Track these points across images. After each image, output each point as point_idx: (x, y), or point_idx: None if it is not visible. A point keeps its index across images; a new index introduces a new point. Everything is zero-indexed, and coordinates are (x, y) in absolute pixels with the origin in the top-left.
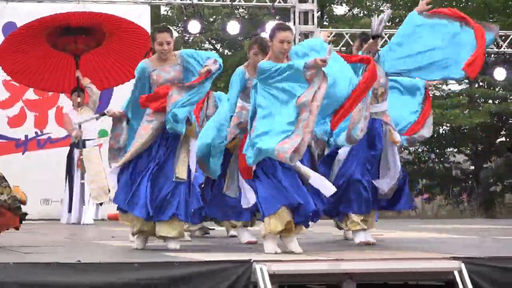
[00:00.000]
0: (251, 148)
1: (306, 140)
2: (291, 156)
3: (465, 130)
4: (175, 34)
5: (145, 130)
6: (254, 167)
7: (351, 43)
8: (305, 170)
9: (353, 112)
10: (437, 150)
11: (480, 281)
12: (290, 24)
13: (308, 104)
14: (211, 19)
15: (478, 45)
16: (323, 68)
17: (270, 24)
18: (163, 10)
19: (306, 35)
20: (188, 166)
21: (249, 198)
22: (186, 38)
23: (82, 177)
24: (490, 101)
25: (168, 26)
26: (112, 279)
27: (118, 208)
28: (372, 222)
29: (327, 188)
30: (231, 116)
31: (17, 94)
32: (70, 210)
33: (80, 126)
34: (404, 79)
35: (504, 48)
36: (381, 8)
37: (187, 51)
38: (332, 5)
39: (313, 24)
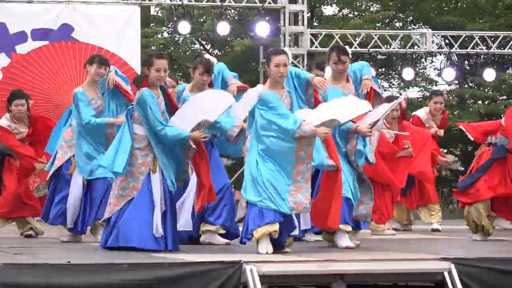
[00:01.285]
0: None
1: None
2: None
3: (455, 131)
4: None
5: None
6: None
7: (341, 44)
8: None
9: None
10: None
11: (469, 282)
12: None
13: (306, 157)
14: (201, 20)
15: None
16: None
17: (260, 25)
18: (153, 10)
19: (296, 36)
20: None
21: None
22: (176, 39)
23: None
24: (480, 102)
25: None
26: (102, 280)
27: None
28: None
29: None
30: None
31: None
32: None
33: None
34: None
35: (493, 49)
36: (371, 9)
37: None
38: (322, 5)
39: (303, 25)
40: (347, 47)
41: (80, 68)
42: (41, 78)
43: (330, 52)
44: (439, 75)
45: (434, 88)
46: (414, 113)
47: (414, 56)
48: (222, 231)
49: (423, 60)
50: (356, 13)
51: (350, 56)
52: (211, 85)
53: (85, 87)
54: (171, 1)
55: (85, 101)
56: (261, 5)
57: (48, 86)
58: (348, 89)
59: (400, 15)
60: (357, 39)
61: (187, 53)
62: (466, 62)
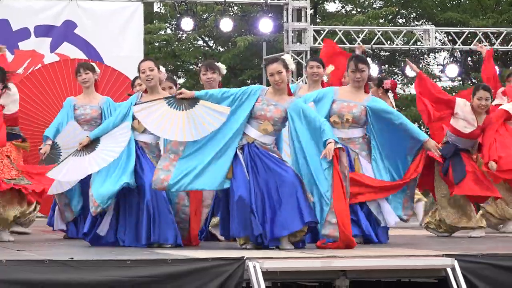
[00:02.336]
0: None
1: None
2: None
3: None
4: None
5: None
6: None
7: (344, 40)
8: None
9: None
10: None
11: (472, 278)
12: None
13: None
14: (204, 16)
15: None
16: None
17: (263, 21)
18: (156, 7)
19: (299, 32)
20: None
21: None
22: (180, 35)
23: None
24: None
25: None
26: (105, 276)
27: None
28: None
29: None
30: None
31: None
32: None
33: None
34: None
35: (496, 46)
36: (374, 5)
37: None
38: (325, 2)
39: (306, 21)
40: (369, 59)
41: (70, 83)
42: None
43: (349, 61)
44: (442, 71)
45: (438, 84)
46: None
47: (417, 52)
48: None
49: (426, 56)
50: (359, 10)
51: (370, 66)
52: (220, 86)
53: (80, 95)
54: None
55: (65, 108)
56: (264, 1)
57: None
58: (361, 100)
59: (403, 11)
60: (360, 35)
61: (190, 50)
62: (469, 58)
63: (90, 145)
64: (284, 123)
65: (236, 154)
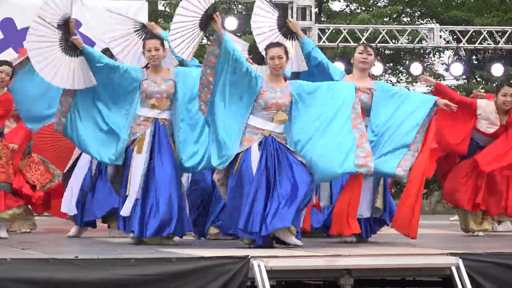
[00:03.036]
0: None
1: None
2: None
3: None
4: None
5: None
6: None
7: (349, 39)
8: None
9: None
10: None
11: (477, 276)
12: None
13: None
14: None
15: None
16: None
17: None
18: (161, 5)
19: (303, 31)
20: None
21: None
22: None
23: None
24: None
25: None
26: (109, 275)
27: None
28: None
29: None
30: None
31: None
32: None
33: None
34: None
35: (501, 44)
36: (378, 4)
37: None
38: (330, 0)
39: (310, 20)
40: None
41: None
42: None
43: (358, 46)
44: (447, 70)
45: (442, 83)
46: None
47: (422, 51)
48: None
49: (431, 55)
50: (363, 8)
51: (375, 58)
52: None
53: None
54: None
55: None
56: (269, 0)
57: None
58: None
59: (408, 10)
60: (364, 34)
61: None
62: (474, 57)
63: (76, 49)
64: (291, 108)
65: (250, 149)
